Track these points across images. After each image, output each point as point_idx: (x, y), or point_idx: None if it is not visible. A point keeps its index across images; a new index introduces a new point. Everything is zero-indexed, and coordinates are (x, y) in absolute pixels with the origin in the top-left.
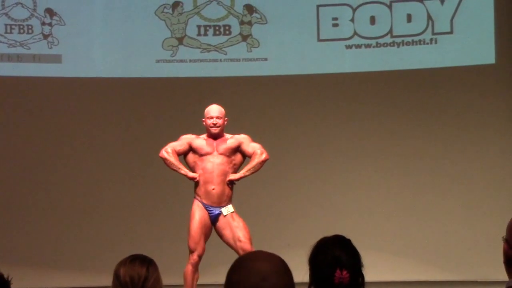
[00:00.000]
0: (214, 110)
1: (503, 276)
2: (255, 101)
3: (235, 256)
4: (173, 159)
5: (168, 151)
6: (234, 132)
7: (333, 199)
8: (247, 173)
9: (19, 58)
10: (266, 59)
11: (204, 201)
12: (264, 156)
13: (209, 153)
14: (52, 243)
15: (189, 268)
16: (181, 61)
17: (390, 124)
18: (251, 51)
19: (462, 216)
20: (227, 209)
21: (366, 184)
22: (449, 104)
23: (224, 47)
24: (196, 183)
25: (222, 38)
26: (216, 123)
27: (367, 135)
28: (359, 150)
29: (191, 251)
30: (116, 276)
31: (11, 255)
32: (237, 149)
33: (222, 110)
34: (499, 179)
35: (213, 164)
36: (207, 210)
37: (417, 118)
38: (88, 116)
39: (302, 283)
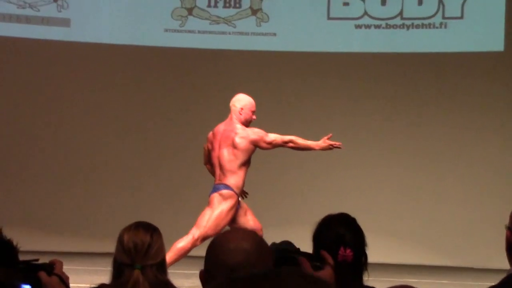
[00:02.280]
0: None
1: (500, 264)
2: (262, 76)
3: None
4: (300, 141)
5: (290, 138)
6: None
7: (334, 178)
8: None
9: (27, 20)
10: (275, 34)
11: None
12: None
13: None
14: (56, 207)
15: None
16: (190, 31)
17: (394, 106)
18: (260, 26)
19: (461, 203)
20: None
21: (367, 165)
22: (455, 89)
23: (234, 20)
24: (244, 178)
25: (232, 11)
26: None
27: (371, 115)
28: (361, 130)
29: (203, 238)
30: (120, 242)
31: (12, 216)
32: None
33: None
34: (500, 166)
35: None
36: None
37: (421, 101)
38: (93, 81)
39: None
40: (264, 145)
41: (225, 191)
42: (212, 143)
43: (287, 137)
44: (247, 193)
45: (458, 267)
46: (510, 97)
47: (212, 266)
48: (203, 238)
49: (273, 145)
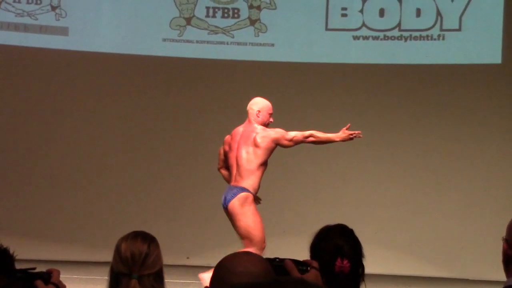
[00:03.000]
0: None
1: (495, 276)
2: (259, 86)
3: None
4: (321, 135)
5: (311, 132)
6: (239, 117)
7: (332, 189)
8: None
9: (26, 28)
10: (273, 45)
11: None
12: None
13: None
14: (52, 216)
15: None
16: (188, 41)
17: (392, 117)
18: (258, 36)
19: (458, 215)
20: None
21: (365, 176)
22: (452, 101)
23: (232, 30)
24: (260, 180)
25: (230, 21)
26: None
27: (369, 127)
28: (359, 142)
29: (263, 241)
30: (117, 251)
31: (8, 224)
32: None
33: None
34: (498, 179)
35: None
36: None
37: (419, 113)
38: (91, 90)
39: None
40: (285, 142)
41: (241, 195)
42: (230, 145)
43: (307, 132)
44: (260, 199)
45: (455, 279)
46: (507, 109)
47: (218, 286)
48: (262, 248)
49: (295, 142)
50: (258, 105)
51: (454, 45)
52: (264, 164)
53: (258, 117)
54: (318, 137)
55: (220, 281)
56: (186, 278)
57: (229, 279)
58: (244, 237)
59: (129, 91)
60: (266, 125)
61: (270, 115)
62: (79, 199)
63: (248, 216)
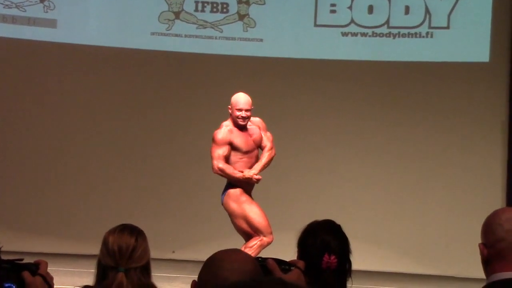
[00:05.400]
0: (243, 103)
1: (479, 274)
2: (248, 82)
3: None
4: (230, 170)
5: (220, 166)
6: (226, 112)
7: (319, 185)
8: (261, 169)
9: (14, 20)
10: (261, 40)
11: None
12: (273, 153)
13: (250, 151)
14: (40, 208)
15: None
16: (176, 35)
17: (380, 114)
18: (247, 31)
19: (443, 212)
20: None
21: (351, 173)
22: (440, 98)
23: (221, 25)
24: (234, 171)
25: (219, 16)
26: (245, 116)
27: (356, 123)
28: (346, 138)
29: (269, 232)
30: (105, 244)
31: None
32: None
33: (250, 100)
34: (484, 177)
35: (252, 160)
36: None
37: (407, 110)
38: (79, 82)
39: None
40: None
41: (224, 196)
42: None
43: (221, 165)
44: (250, 176)
45: (441, 276)
46: (494, 107)
47: (206, 282)
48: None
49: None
50: (231, 101)
51: (442, 43)
52: (227, 161)
53: (230, 113)
54: (225, 171)
55: (209, 277)
56: (172, 272)
57: (221, 275)
58: (247, 234)
59: (117, 84)
60: (235, 119)
61: (237, 110)
62: (66, 192)
63: (235, 216)
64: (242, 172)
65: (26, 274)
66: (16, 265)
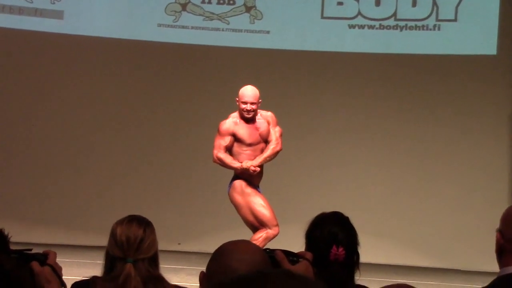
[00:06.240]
0: (249, 96)
1: (488, 267)
2: (254, 74)
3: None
4: (229, 160)
5: (219, 156)
6: (233, 104)
7: (327, 177)
8: (262, 162)
9: (20, 11)
10: (268, 32)
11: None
12: (278, 147)
13: (253, 144)
14: (48, 199)
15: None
16: (183, 27)
17: (386, 106)
18: (253, 23)
19: (452, 205)
20: None
21: (360, 165)
22: (446, 91)
23: (227, 17)
24: (234, 161)
25: (226, 8)
26: (250, 109)
27: (363, 116)
28: (354, 130)
29: (274, 224)
30: (113, 235)
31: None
32: None
33: (257, 93)
34: (492, 169)
35: (256, 153)
36: None
37: (413, 102)
38: (85, 74)
39: None
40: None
41: (229, 188)
42: None
43: (220, 154)
44: (249, 167)
45: (447, 269)
46: (502, 100)
47: (215, 272)
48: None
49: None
50: (239, 93)
51: (449, 35)
52: (230, 151)
53: (237, 105)
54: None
55: (221, 266)
56: (177, 264)
57: (230, 265)
58: (254, 226)
59: (123, 76)
60: (241, 112)
61: (242, 103)
62: (75, 184)
63: (240, 208)
64: (241, 163)
65: (35, 264)
66: (25, 255)
